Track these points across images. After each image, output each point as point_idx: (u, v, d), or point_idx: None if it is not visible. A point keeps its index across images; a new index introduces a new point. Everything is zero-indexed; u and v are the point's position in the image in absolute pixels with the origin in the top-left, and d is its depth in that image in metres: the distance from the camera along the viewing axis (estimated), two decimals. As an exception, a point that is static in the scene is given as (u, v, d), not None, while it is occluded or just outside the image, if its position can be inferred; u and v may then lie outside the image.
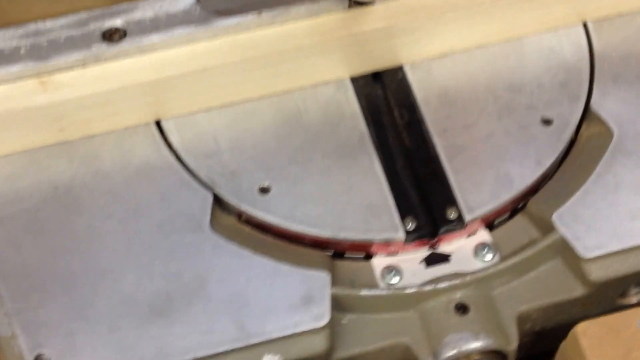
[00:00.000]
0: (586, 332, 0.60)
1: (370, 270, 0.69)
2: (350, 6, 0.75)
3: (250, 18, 0.74)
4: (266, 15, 0.74)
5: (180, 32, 0.73)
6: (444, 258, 0.69)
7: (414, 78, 0.77)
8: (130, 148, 0.75)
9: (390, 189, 0.71)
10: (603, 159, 0.71)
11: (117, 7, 0.76)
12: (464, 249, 0.69)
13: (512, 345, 0.64)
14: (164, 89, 0.74)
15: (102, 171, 0.73)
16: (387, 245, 0.69)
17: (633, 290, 0.69)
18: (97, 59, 0.73)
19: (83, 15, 0.76)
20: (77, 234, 0.70)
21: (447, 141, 0.73)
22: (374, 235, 0.69)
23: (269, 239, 0.71)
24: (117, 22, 0.75)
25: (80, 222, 0.71)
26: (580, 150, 0.73)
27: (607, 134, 0.72)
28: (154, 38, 0.73)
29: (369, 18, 0.75)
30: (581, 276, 0.66)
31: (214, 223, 0.70)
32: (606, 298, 0.68)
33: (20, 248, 0.70)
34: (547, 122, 0.74)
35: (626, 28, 0.79)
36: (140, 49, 0.73)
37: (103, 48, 0.73)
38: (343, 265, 0.69)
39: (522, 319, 0.66)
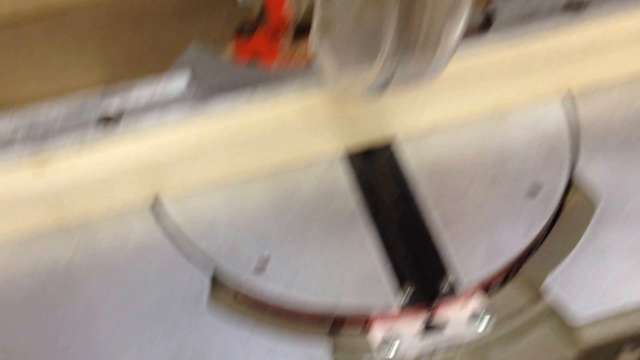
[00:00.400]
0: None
1: (368, 343, 0.74)
2: (338, 85, 0.83)
3: (242, 102, 0.80)
4: (258, 97, 0.81)
5: (174, 115, 0.79)
6: (439, 328, 0.74)
7: (404, 152, 0.83)
8: (127, 229, 0.80)
9: (385, 260, 0.76)
10: (589, 226, 0.76)
11: (111, 92, 0.82)
12: (459, 317, 0.74)
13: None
14: (160, 172, 0.80)
15: (99, 253, 0.78)
16: (383, 317, 0.74)
17: (627, 347, 0.75)
18: (93, 144, 0.78)
19: (78, 100, 0.82)
20: (76, 315, 0.74)
21: (439, 212, 0.79)
22: (370, 306, 0.74)
23: (267, 316, 0.75)
24: (112, 107, 0.81)
25: (79, 303, 0.75)
26: (567, 217, 0.79)
27: (592, 202, 0.78)
28: (149, 123, 0.79)
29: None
30: (573, 341, 0.71)
31: (212, 301, 0.75)
32: (600, 361, 0.74)
33: (20, 332, 0.74)
34: (534, 191, 0.80)
35: (608, 98, 0.86)
36: (135, 134, 0.79)
37: (98, 133, 0.79)
38: (341, 339, 0.74)
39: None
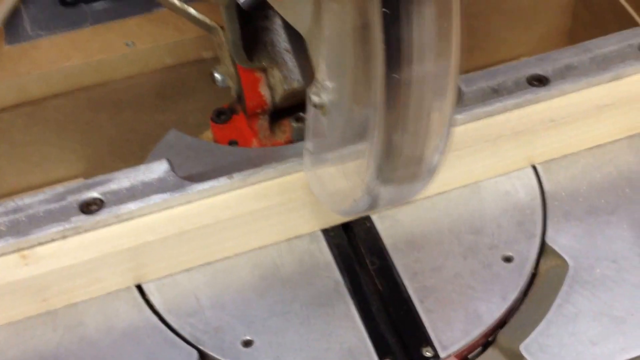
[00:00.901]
0: None
1: (355, 414, 0.77)
2: (315, 164, 0.88)
3: (222, 181, 0.85)
4: (237, 177, 0.85)
5: (156, 199, 0.83)
6: (422, 398, 0.78)
7: (381, 226, 0.87)
8: (113, 312, 0.83)
9: (367, 333, 0.79)
10: (562, 290, 0.81)
11: (93, 180, 0.86)
12: (442, 387, 0.78)
13: None
14: (144, 254, 0.83)
15: (87, 337, 0.81)
16: (369, 388, 0.78)
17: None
18: (77, 230, 0.82)
19: (60, 189, 0.86)
20: (66, 401, 0.77)
21: (417, 284, 0.83)
22: (355, 379, 0.77)
23: (255, 393, 0.78)
24: (94, 193, 0.85)
25: (69, 388, 0.78)
26: (541, 283, 0.84)
27: (563, 267, 0.83)
28: (131, 206, 0.83)
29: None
30: (553, 403, 0.75)
31: (200, 380, 0.78)
32: (580, 422, 0.77)
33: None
34: (508, 259, 0.84)
35: (572, 168, 0.92)
36: (118, 218, 0.83)
37: (81, 219, 0.82)
38: (329, 412, 0.77)
39: None
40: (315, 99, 0.65)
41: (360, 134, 0.63)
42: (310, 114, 0.69)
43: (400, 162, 0.63)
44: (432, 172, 0.66)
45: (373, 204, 0.66)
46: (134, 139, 1.27)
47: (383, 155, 0.63)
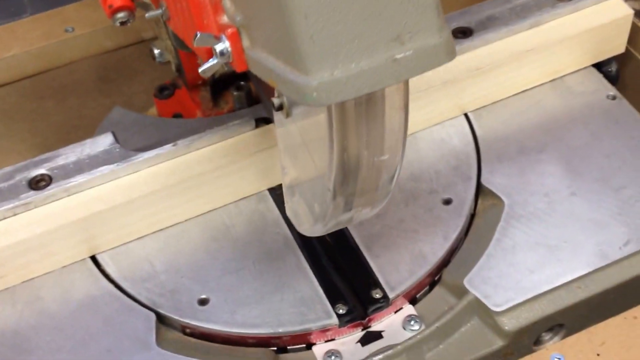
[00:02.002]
0: (509, 376, 0.69)
1: (313, 358, 0.76)
2: (257, 126, 0.86)
3: (167, 149, 0.83)
4: (181, 144, 0.84)
5: (103, 170, 0.82)
6: (377, 335, 0.77)
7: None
8: (70, 285, 0.81)
9: (319, 282, 0.79)
10: (499, 226, 0.82)
11: (40, 157, 0.84)
12: (394, 324, 0.77)
13: (447, 402, 0.72)
14: (95, 225, 0.81)
15: (45, 310, 0.79)
16: (324, 332, 0.77)
17: (545, 337, 0.79)
18: (27, 207, 0.80)
19: (8, 168, 0.83)
20: (29, 372, 0.75)
21: (363, 232, 0.82)
22: (310, 325, 0.76)
23: (215, 346, 0.77)
24: (42, 170, 0.83)
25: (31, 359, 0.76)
26: (479, 221, 0.84)
27: (499, 204, 0.84)
28: (79, 179, 0.81)
29: (273, 134, 0.86)
30: (497, 329, 0.75)
31: (160, 340, 0.76)
32: (523, 346, 0.76)
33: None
34: (447, 202, 0.85)
35: (501, 113, 0.93)
36: (67, 191, 0.81)
37: (31, 196, 0.80)
38: (287, 358, 0.76)
39: (454, 377, 0.74)
40: (276, 101, 0.66)
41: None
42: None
43: (351, 208, 0.67)
44: (384, 201, 0.69)
45: (333, 227, 0.70)
46: (81, 124, 1.24)
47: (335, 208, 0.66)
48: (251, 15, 0.61)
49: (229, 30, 0.63)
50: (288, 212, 0.73)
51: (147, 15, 0.75)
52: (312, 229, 0.71)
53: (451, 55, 0.58)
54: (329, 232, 0.71)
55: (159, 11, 0.74)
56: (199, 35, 0.65)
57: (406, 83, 0.62)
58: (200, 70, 0.66)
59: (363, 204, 0.67)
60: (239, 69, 0.65)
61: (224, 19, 0.65)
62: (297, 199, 0.71)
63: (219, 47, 0.63)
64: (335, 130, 0.61)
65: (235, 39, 0.64)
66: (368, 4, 0.55)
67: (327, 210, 0.66)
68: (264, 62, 0.61)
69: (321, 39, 0.55)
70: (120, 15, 0.71)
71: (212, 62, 0.64)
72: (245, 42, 0.63)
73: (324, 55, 0.55)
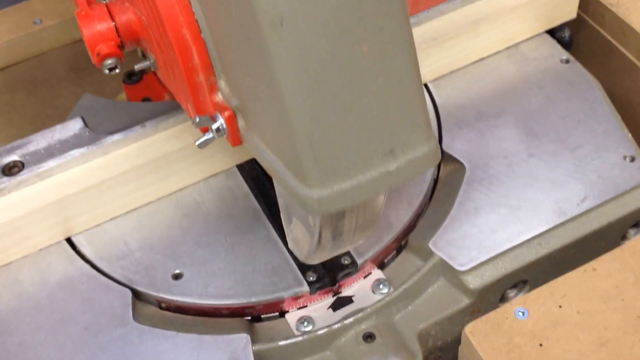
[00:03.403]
0: (474, 331, 0.69)
1: (287, 325, 0.76)
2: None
3: (135, 130, 0.82)
4: (150, 125, 0.83)
5: (74, 154, 0.80)
6: (347, 300, 0.77)
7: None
8: (46, 267, 0.80)
9: (289, 252, 0.78)
10: (461, 189, 0.81)
11: (12, 144, 0.83)
12: (363, 289, 0.77)
13: (417, 359, 0.72)
14: (68, 207, 0.80)
15: (24, 292, 0.78)
16: (296, 300, 0.76)
17: (510, 294, 0.79)
18: (1, 192, 0.79)
19: (-19, 156, 0.83)
20: (10, 352, 0.74)
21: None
22: (282, 293, 0.76)
23: (190, 318, 0.76)
24: (14, 156, 0.81)
25: (11, 341, 0.74)
26: (443, 186, 0.84)
27: (460, 169, 0.84)
28: (51, 164, 0.80)
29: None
30: (463, 288, 0.75)
31: (136, 315, 0.75)
32: (489, 304, 0.77)
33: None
34: (410, 169, 0.85)
35: (459, 81, 0.93)
36: (40, 176, 0.80)
37: (4, 181, 0.79)
38: (262, 326, 0.76)
39: (422, 336, 0.74)
40: None
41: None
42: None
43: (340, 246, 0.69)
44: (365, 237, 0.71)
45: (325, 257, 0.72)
46: (55, 114, 1.23)
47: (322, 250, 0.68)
48: (249, 107, 0.62)
49: (225, 113, 0.64)
50: (290, 244, 0.73)
51: (136, 67, 0.74)
52: (312, 257, 0.71)
53: (437, 159, 0.61)
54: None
55: (147, 63, 0.73)
56: (197, 119, 0.66)
57: None
58: (197, 143, 0.67)
59: (351, 237, 0.68)
60: (233, 144, 0.67)
61: (220, 97, 0.65)
62: (294, 223, 0.70)
63: (215, 125, 0.65)
64: (320, 224, 0.64)
65: (231, 120, 0.65)
66: (366, 125, 0.57)
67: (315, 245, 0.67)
68: (261, 151, 0.62)
69: (324, 159, 0.57)
70: (109, 62, 0.70)
71: (208, 137, 0.66)
72: (241, 123, 0.64)
73: (326, 173, 0.57)
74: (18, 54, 1.17)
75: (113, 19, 0.70)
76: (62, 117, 1.12)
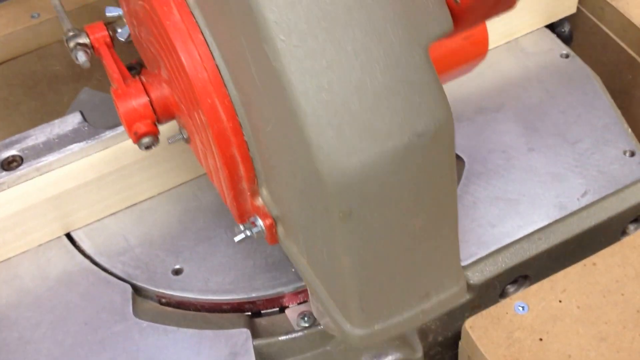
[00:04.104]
0: (474, 325, 0.70)
1: (287, 320, 0.76)
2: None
3: (135, 125, 0.83)
4: (149, 120, 0.83)
5: (73, 148, 0.80)
6: (347, 296, 0.78)
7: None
8: (46, 262, 0.80)
9: (288, 246, 0.79)
10: (460, 183, 0.82)
11: (10, 139, 0.83)
12: (363, 284, 0.78)
13: (417, 354, 0.72)
14: (68, 202, 0.81)
15: (24, 288, 0.78)
16: (297, 295, 0.77)
17: (510, 289, 0.79)
18: (0, 187, 0.79)
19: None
20: (10, 347, 0.74)
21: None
22: (282, 288, 0.76)
23: (190, 313, 0.77)
24: (13, 151, 0.81)
25: (11, 336, 0.75)
26: (442, 181, 0.85)
27: (459, 163, 0.84)
28: (50, 158, 0.80)
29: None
30: (463, 281, 0.75)
31: (136, 310, 0.75)
32: (489, 299, 0.77)
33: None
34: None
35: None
36: (39, 170, 0.80)
37: (3, 176, 0.79)
38: (262, 321, 0.76)
39: (423, 331, 0.74)
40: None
41: None
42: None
43: None
44: None
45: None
46: (53, 110, 1.22)
47: None
48: (294, 226, 0.63)
49: (267, 220, 0.65)
50: (315, 314, 0.74)
51: (169, 140, 0.73)
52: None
53: (464, 296, 0.65)
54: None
55: (181, 136, 0.72)
56: (242, 229, 0.67)
57: None
58: (236, 240, 0.67)
59: None
60: (271, 243, 0.68)
61: (260, 201, 0.66)
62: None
63: (255, 230, 0.66)
64: None
65: (271, 227, 0.66)
66: (409, 278, 0.60)
67: None
68: (301, 264, 0.64)
69: (369, 306, 0.60)
70: (146, 140, 0.69)
71: (245, 236, 0.67)
72: (281, 230, 0.66)
73: (370, 317, 0.61)
74: (16, 48, 1.17)
75: (149, 96, 0.69)
76: (60, 112, 1.12)
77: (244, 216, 0.67)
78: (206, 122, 0.62)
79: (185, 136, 0.71)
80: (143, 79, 0.71)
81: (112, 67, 0.73)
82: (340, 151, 0.52)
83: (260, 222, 0.66)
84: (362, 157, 0.52)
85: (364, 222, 0.55)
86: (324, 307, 0.64)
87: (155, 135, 0.70)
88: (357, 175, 0.52)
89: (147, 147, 0.70)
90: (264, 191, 0.65)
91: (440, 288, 0.62)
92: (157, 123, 0.70)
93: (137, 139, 0.69)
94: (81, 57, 0.76)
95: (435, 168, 0.56)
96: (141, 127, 0.69)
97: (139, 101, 0.69)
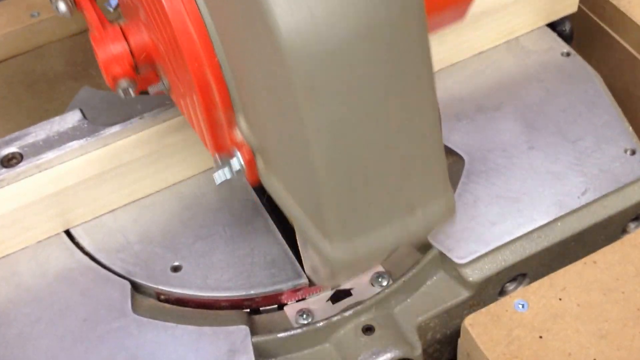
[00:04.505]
0: (473, 323, 0.70)
1: (285, 318, 0.77)
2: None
3: (134, 122, 0.83)
4: (148, 117, 0.83)
5: (73, 145, 0.81)
6: (346, 293, 0.78)
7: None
8: (45, 259, 0.81)
9: (287, 243, 0.79)
10: (460, 182, 0.82)
11: (10, 136, 0.84)
12: (362, 281, 0.78)
13: (416, 351, 0.72)
14: (67, 199, 0.81)
15: (23, 284, 0.79)
16: (295, 292, 0.77)
17: (509, 287, 0.80)
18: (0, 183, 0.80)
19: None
20: (9, 343, 0.75)
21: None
22: (281, 286, 0.77)
23: (189, 310, 0.77)
24: (13, 148, 0.82)
25: (9, 332, 0.75)
26: (442, 178, 0.85)
27: (459, 161, 0.84)
28: (50, 155, 0.81)
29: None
30: (462, 281, 0.76)
31: (135, 307, 0.76)
32: (488, 297, 0.78)
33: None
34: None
35: (459, 74, 0.93)
36: (39, 167, 0.81)
37: (2, 173, 0.80)
38: (260, 318, 0.77)
39: (422, 329, 0.75)
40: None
41: None
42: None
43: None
44: None
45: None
46: (52, 108, 1.23)
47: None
48: (270, 151, 0.62)
49: (245, 154, 0.65)
50: (307, 269, 0.74)
51: (150, 90, 0.74)
52: (329, 280, 0.72)
53: (452, 211, 0.63)
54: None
55: (162, 86, 0.73)
56: (218, 160, 0.66)
57: None
58: (217, 183, 0.67)
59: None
60: (252, 183, 0.67)
61: (239, 135, 0.65)
62: (310, 252, 0.70)
63: (234, 166, 0.65)
64: None
65: (251, 160, 0.65)
66: (389, 184, 0.58)
67: None
68: (281, 195, 0.63)
69: (347, 218, 0.58)
70: (123, 83, 0.70)
71: (225, 176, 0.66)
72: (260, 164, 0.65)
73: (348, 230, 0.59)
74: (15, 47, 1.18)
75: (127, 40, 0.70)
76: (59, 111, 1.13)
77: (222, 151, 0.67)
78: (177, 43, 0.61)
79: (165, 84, 0.72)
80: (121, 24, 0.72)
81: (92, 15, 0.74)
82: (297, 16, 0.51)
83: (239, 156, 0.64)
84: (321, 27, 0.51)
85: (329, 101, 0.53)
86: (306, 237, 0.61)
87: (132, 80, 0.71)
88: (315, 43, 0.51)
89: (125, 93, 0.71)
90: (241, 121, 0.64)
91: (425, 201, 0.60)
92: (136, 70, 0.71)
93: (115, 82, 0.70)
94: (62, 7, 0.77)
95: (403, 46, 0.54)
96: (117, 68, 0.70)
97: (116, 46, 0.70)
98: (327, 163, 0.56)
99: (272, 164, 0.63)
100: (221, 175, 0.66)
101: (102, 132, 0.82)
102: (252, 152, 0.64)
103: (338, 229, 0.58)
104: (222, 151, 0.67)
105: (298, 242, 0.71)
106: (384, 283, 0.77)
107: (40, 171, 0.81)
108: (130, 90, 0.71)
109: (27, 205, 0.80)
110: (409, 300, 0.76)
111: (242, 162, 0.65)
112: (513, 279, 0.79)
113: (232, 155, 0.66)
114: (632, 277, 0.75)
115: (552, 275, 0.76)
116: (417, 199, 0.60)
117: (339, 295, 0.78)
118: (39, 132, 0.83)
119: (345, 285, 0.78)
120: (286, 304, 0.78)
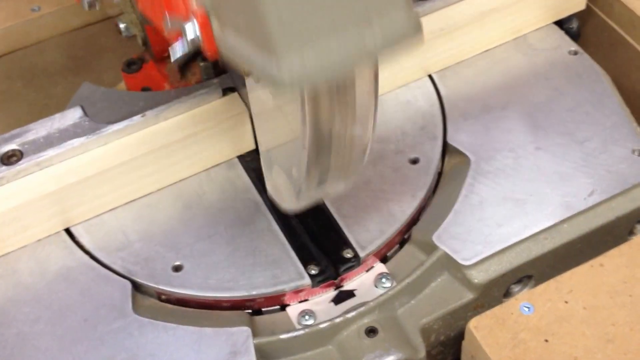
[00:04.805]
0: (478, 326, 0.70)
1: (287, 319, 0.76)
2: (223, 94, 0.86)
3: (136, 120, 0.82)
4: (150, 115, 0.83)
5: (73, 143, 0.81)
6: (349, 294, 0.78)
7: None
8: (45, 257, 0.80)
9: (290, 244, 0.79)
10: (466, 182, 0.82)
11: (10, 133, 0.83)
12: (366, 283, 0.78)
13: (420, 354, 0.72)
14: (67, 197, 0.81)
15: (22, 283, 0.79)
16: (297, 293, 0.77)
17: (515, 289, 0.80)
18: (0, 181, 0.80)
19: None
20: (8, 343, 0.74)
21: (332, 193, 0.83)
22: (283, 286, 0.76)
23: (190, 310, 0.77)
24: (13, 145, 0.82)
25: (9, 332, 0.75)
26: (447, 179, 0.85)
27: (465, 162, 0.84)
28: (50, 153, 0.80)
29: (240, 102, 0.85)
30: (467, 282, 0.76)
31: (136, 307, 0.76)
32: (493, 298, 0.77)
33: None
34: (414, 161, 0.85)
35: (465, 73, 0.93)
36: (39, 165, 0.80)
37: (2, 171, 0.80)
38: (262, 319, 0.76)
39: (425, 331, 0.74)
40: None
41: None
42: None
43: (325, 182, 0.68)
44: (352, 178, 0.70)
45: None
46: (52, 103, 1.23)
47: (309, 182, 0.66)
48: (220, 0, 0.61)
49: (199, 18, 0.62)
50: (269, 189, 0.72)
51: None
52: (292, 203, 0.70)
53: (418, 30, 0.57)
54: (307, 206, 0.71)
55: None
56: (169, 23, 0.64)
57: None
58: (172, 60, 0.65)
59: (336, 177, 0.67)
60: (210, 56, 0.65)
61: (194, 4, 0.64)
62: (276, 170, 0.70)
63: (189, 35, 0.63)
64: (308, 107, 0.61)
65: (206, 23, 0.63)
66: None
67: (301, 184, 0.66)
68: (234, 46, 0.60)
69: (291, 24, 0.54)
70: None
71: (183, 49, 0.64)
72: (215, 26, 0.63)
73: (294, 39, 0.54)
74: (16, 41, 1.17)
75: None
76: (59, 106, 1.12)
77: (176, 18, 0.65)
78: None
79: None
80: None
81: None
82: None
83: (195, 22, 0.63)
84: None
85: None
86: (256, 70, 0.57)
87: None
88: None
89: (91, 6, 0.69)
90: None
91: (381, 10, 0.55)
92: None
93: None
94: None
95: None
96: None
97: None
98: None
99: (223, 13, 0.60)
100: (179, 49, 0.65)
101: (103, 129, 0.82)
102: (207, 15, 0.62)
103: (283, 38, 0.54)
104: (174, 12, 0.65)
105: (262, 166, 0.70)
106: (388, 284, 0.77)
107: (40, 169, 0.80)
108: (96, 6, 0.70)
109: (27, 203, 0.79)
110: (412, 302, 0.76)
111: (197, 29, 0.63)
112: (518, 281, 0.79)
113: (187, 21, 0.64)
114: (640, 280, 0.75)
115: (558, 277, 0.75)
116: (373, 7, 0.55)
117: (342, 297, 0.77)
118: (39, 129, 0.83)
119: (348, 286, 0.78)
120: (288, 305, 0.77)
